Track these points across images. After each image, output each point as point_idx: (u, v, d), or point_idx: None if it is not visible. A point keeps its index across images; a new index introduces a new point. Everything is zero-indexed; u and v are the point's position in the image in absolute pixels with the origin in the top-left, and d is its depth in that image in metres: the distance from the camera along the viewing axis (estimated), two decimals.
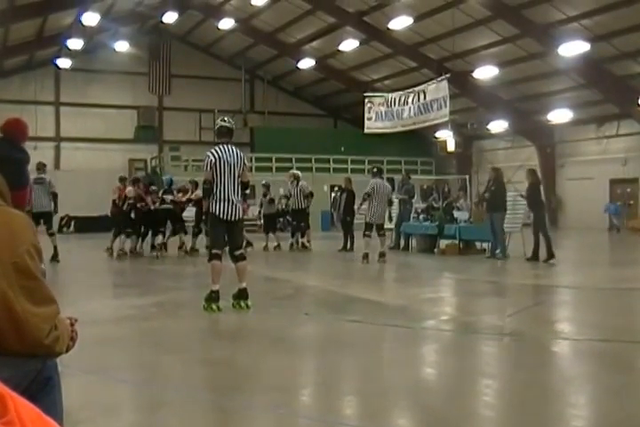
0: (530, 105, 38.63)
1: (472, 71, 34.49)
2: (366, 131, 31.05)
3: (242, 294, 10.56)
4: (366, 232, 18.70)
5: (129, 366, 7.43)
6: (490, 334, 8.80)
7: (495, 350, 8.26)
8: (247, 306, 10.48)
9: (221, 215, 10.43)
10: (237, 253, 10.74)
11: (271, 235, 23.40)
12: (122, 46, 39.84)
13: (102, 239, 31.08)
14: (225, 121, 10.86)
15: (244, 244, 18.68)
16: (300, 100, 49.23)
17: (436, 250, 21.31)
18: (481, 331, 8.96)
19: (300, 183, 22.93)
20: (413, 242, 22.66)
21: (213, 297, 10.36)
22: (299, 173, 23.65)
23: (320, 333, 9.18)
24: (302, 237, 23.02)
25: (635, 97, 31.31)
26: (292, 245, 23.09)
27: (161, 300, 11.90)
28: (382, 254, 18.39)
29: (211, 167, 10.46)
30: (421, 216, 22.67)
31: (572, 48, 29.13)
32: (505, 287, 14.59)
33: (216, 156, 10.46)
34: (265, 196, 24.26)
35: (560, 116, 36.50)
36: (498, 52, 33.63)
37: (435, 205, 23.14)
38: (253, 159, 39.57)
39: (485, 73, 34.22)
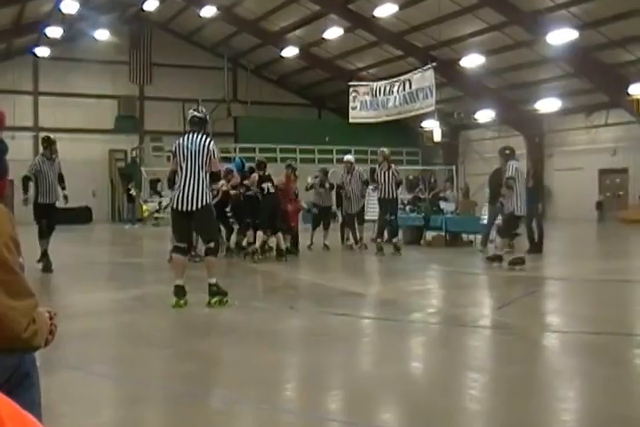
0: (517, 94, 38.68)
1: (458, 60, 34.52)
2: (351, 120, 31.01)
3: (210, 290, 10.16)
4: (514, 230, 15.18)
5: (109, 360, 7.41)
6: (478, 327, 8.82)
7: (483, 343, 8.28)
8: (217, 303, 10.09)
9: (175, 205, 10.22)
10: (208, 245, 10.41)
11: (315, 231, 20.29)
12: (102, 35, 39.64)
13: (82, 231, 31.04)
14: (198, 111, 10.61)
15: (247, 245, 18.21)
16: (284, 89, 49.17)
17: (422, 242, 21.34)
18: (469, 324, 8.97)
19: (392, 166, 18.89)
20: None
21: (177, 292, 10.05)
22: (387, 150, 19.33)
23: (305, 326, 9.17)
24: (395, 235, 18.98)
25: (624, 86, 31.38)
26: (380, 247, 18.48)
27: (142, 293, 11.88)
28: (521, 260, 14.97)
29: (174, 156, 10.36)
30: (407, 207, 22.65)
31: (561, 36, 29.15)
32: (493, 279, 14.61)
33: (177, 143, 10.31)
34: (322, 185, 20.35)
35: (548, 105, 36.57)
36: (485, 40, 33.64)
37: (421, 196, 23.13)
38: (237, 150, 39.50)
39: (472, 61, 34.23)
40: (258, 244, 17.30)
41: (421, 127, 40.18)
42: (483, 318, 9.55)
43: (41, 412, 2.99)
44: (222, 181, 16.63)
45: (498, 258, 15.34)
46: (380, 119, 29.78)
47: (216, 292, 10.17)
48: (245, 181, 17.11)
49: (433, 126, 39.00)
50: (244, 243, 17.61)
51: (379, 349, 7.95)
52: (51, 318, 3.02)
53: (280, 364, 7.10)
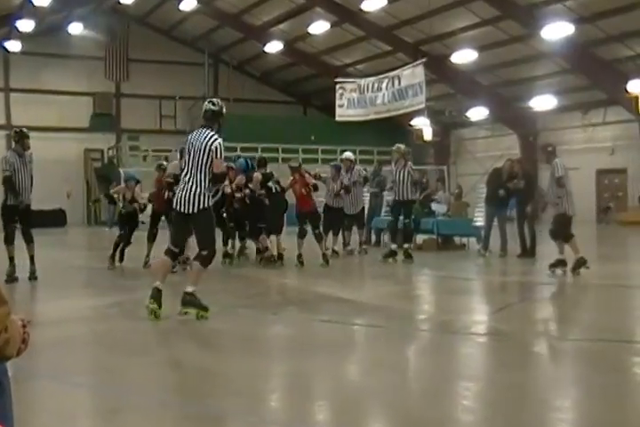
0: (511, 91, 38.76)
1: (450, 55, 34.58)
2: (338, 119, 31.05)
3: (183, 299, 9.67)
4: (569, 231, 14.73)
5: (86, 369, 7.40)
6: (470, 334, 8.84)
7: (476, 350, 8.29)
8: (185, 314, 9.64)
9: (175, 205, 9.87)
10: (201, 252, 9.84)
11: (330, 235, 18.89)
12: (76, 29, 39.55)
13: (56, 235, 30.91)
14: (213, 104, 10.21)
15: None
16: (268, 86, 49.10)
17: (412, 245, 21.28)
18: (461, 330, 8.98)
19: (409, 164, 17.80)
20: (385, 238, 22.59)
21: (155, 295, 9.59)
22: (404, 147, 18.45)
23: (292, 334, 9.18)
24: (409, 241, 18.20)
25: (622, 82, 31.37)
26: (391, 253, 17.75)
27: (120, 300, 11.83)
28: (582, 262, 14.34)
29: (181, 156, 10.15)
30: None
31: (556, 30, 29.22)
32: (486, 285, 14.66)
33: (186, 139, 10.07)
34: (334, 181, 18.89)
35: (543, 102, 36.63)
36: (477, 34, 33.67)
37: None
38: None
39: (464, 57, 34.28)
40: (276, 249, 16.91)
41: (411, 126, 40.14)
42: (475, 325, 9.56)
43: (13, 424, 3.00)
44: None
45: (562, 263, 14.63)
46: (368, 117, 29.83)
47: (189, 302, 9.66)
48: (250, 184, 16.70)
49: (423, 125, 39.00)
50: (261, 247, 17.06)
51: (367, 357, 7.95)
52: (24, 327, 3.01)
53: (265, 373, 7.10)
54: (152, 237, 16.59)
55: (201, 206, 9.71)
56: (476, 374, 7.09)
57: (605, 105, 35.89)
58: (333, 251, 18.78)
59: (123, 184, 17.72)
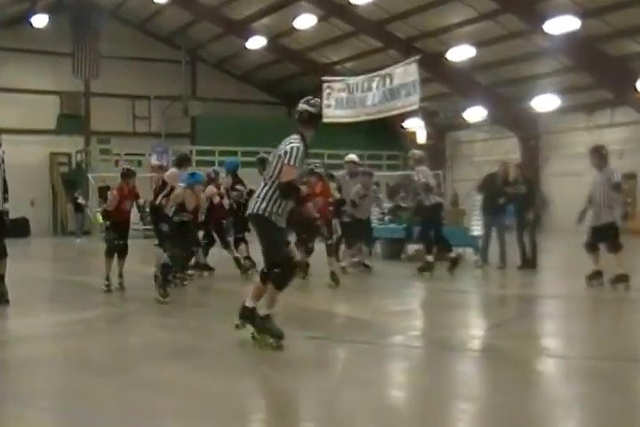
0: (511, 91, 38.80)
1: (445, 52, 34.63)
2: (325, 120, 30.72)
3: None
4: (596, 242, 15.04)
5: (52, 391, 7.37)
6: (467, 351, 8.87)
7: (473, 368, 8.31)
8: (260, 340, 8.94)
9: None
10: (276, 271, 8.78)
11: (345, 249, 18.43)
12: (41, 21, 39.35)
13: (19, 246, 30.81)
14: (310, 104, 9.14)
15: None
16: (249, 85, 49.06)
17: (402, 256, 21.28)
18: (456, 347, 9.01)
19: (419, 169, 17.55)
20: (378, 247, 22.58)
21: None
22: (418, 152, 18.63)
23: (275, 351, 9.17)
24: (429, 251, 17.42)
25: (631, 81, 31.36)
26: (427, 266, 17.20)
27: (89, 315, 11.82)
28: (624, 278, 14.22)
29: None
30: (387, 218, 22.60)
31: (560, 25, 29.26)
32: (484, 298, 14.68)
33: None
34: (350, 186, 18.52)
35: (546, 102, 36.60)
36: (475, 30, 33.73)
37: (402, 205, 23.02)
38: (194, 152, 39.36)
39: (461, 54, 34.34)
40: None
41: (403, 128, 40.14)
42: (473, 341, 9.61)
43: None
44: (210, 187, 16.18)
45: (597, 274, 14.62)
46: (357, 119, 29.76)
47: (255, 323, 8.98)
48: (238, 186, 16.50)
49: (417, 127, 38.99)
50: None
51: (357, 376, 7.93)
52: None
53: (247, 392, 7.11)
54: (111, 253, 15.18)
55: (256, 211, 8.83)
56: (473, 394, 7.11)
57: (612, 105, 35.89)
58: (343, 268, 17.72)
59: (181, 186, 14.68)
